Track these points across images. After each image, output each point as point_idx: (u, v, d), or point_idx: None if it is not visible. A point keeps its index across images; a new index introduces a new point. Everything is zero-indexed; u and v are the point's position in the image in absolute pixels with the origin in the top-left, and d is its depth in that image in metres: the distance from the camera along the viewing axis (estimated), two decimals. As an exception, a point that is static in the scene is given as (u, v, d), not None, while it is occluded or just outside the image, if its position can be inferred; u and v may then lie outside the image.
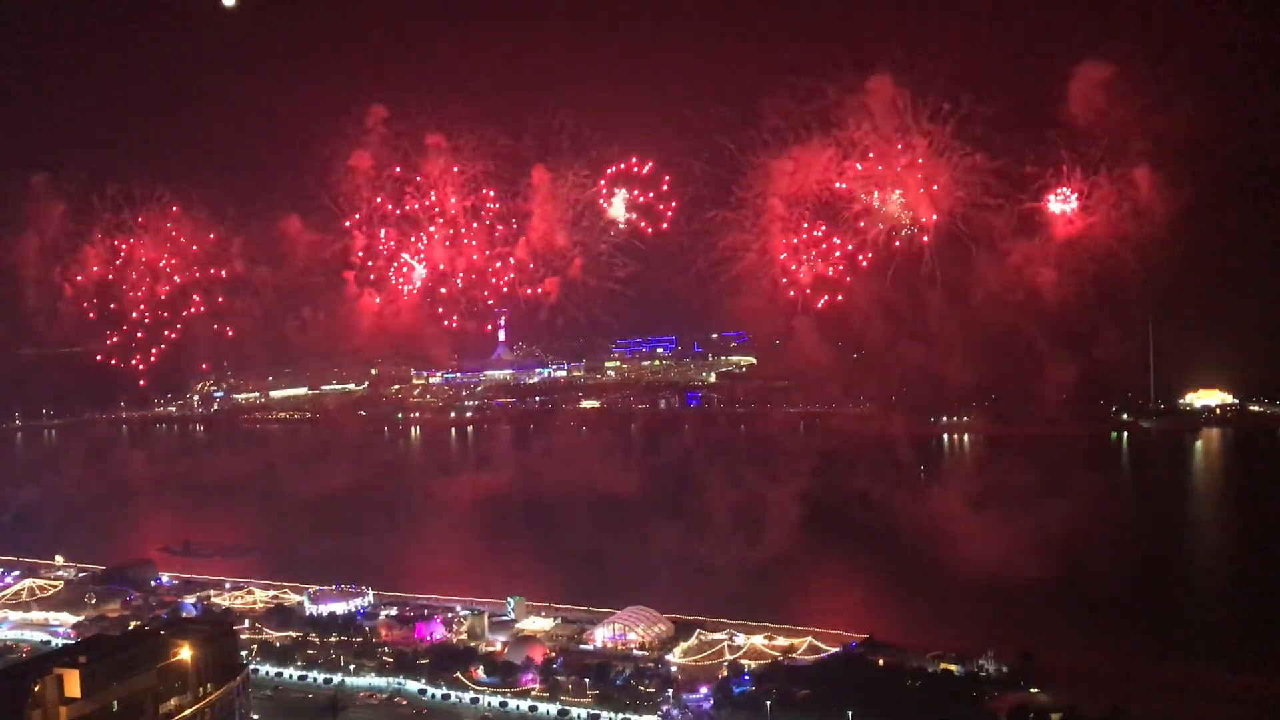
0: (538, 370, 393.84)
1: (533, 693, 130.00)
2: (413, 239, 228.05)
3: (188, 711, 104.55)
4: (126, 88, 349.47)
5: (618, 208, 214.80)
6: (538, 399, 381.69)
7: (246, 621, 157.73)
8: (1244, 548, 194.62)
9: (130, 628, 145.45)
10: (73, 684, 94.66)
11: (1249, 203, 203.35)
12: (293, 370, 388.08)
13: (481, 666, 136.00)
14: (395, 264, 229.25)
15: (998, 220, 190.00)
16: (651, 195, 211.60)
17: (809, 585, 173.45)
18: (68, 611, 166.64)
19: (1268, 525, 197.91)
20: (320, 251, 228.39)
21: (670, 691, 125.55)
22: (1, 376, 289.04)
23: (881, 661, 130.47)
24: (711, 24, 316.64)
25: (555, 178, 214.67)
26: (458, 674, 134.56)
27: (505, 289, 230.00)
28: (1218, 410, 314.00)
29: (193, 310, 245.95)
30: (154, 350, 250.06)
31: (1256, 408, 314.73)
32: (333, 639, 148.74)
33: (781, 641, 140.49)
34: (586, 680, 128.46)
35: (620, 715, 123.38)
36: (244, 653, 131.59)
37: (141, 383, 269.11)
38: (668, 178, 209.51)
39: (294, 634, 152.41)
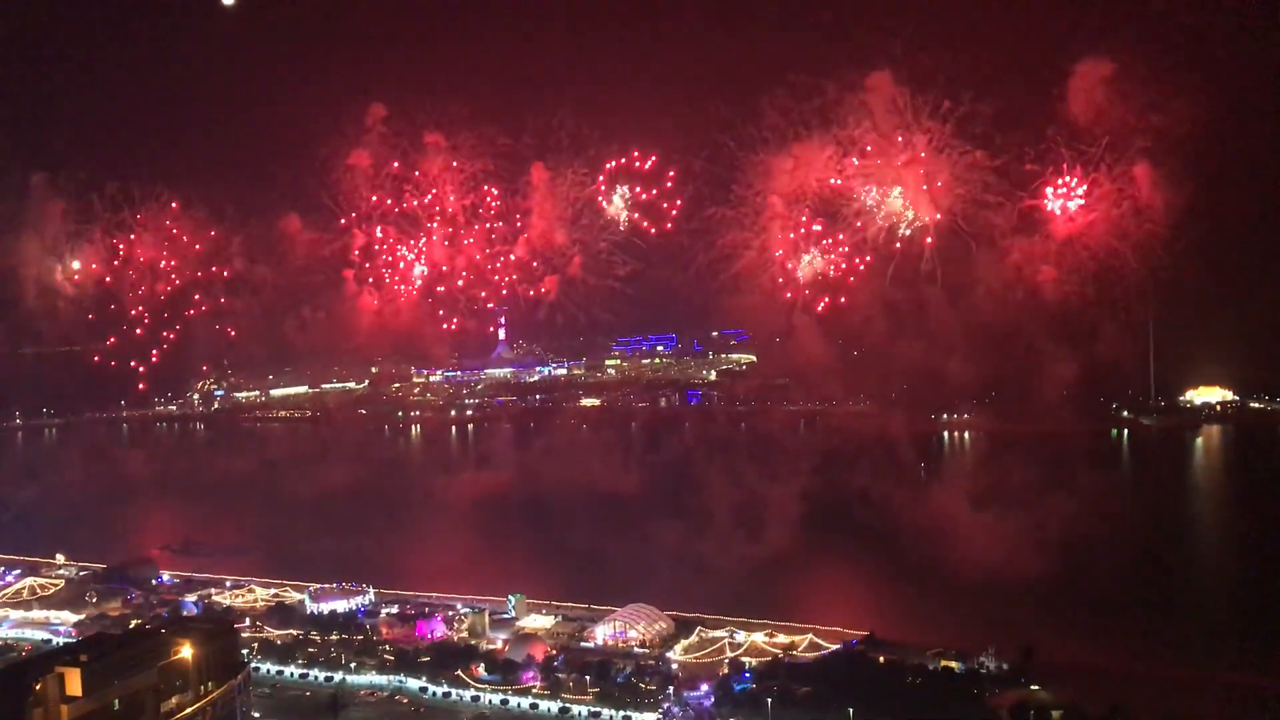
0: (538, 368, 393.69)
1: (534, 690, 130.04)
2: (412, 241, 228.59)
3: (189, 710, 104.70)
4: (126, 87, 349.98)
5: (617, 205, 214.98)
6: (538, 397, 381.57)
7: (247, 620, 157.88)
8: (1244, 545, 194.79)
9: (131, 626, 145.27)
10: (74, 682, 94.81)
11: (1249, 200, 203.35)
12: (293, 369, 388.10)
13: (482, 664, 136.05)
14: (395, 262, 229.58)
15: (998, 218, 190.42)
16: (655, 192, 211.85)
17: (810, 583, 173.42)
18: (69, 610, 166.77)
19: (1268, 523, 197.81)
20: (320, 250, 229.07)
21: (671, 689, 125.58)
22: (1, 376, 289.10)
23: (882, 659, 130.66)
24: (711, 21, 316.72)
25: (554, 176, 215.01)
26: (459, 672, 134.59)
27: (505, 288, 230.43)
28: (1218, 407, 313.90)
29: (193, 310, 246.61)
30: (154, 350, 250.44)
31: (1257, 405, 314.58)
32: (333, 637, 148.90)
33: (782, 639, 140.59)
34: (587, 678, 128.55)
35: (621, 713, 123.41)
36: (245, 651, 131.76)
37: (141, 386, 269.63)
38: (673, 173, 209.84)
39: (295, 632, 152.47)
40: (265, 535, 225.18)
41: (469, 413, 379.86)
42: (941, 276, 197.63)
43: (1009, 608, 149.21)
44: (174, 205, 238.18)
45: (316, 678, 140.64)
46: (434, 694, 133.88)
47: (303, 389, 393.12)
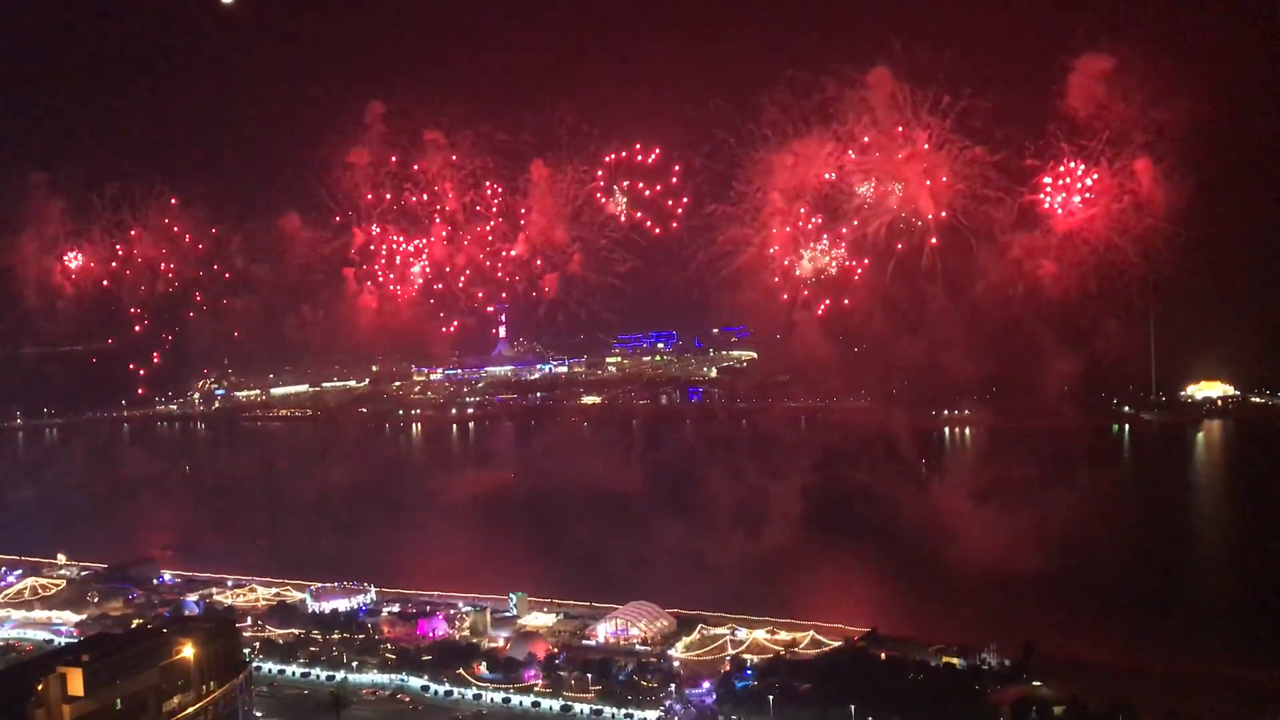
0: (539, 366, 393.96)
1: (535, 689, 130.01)
2: (412, 238, 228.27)
3: (190, 709, 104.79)
4: (125, 86, 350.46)
5: (617, 200, 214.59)
6: (539, 395, 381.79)
7: (249, 619, 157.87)
8: (1245, 540, 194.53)
9: (133, 626, 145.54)
10: (76, 682, 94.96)
11: (1250, 195, 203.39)
12: (293, 367, 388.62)
13: (484, 663, 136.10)
14: (395, 260, 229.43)
15: (998, 213, 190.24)
16: (660, 188, 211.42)
17: (811, 580, 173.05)
18: (70, 610, 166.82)
19: (1268, 517, 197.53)
20: (320, 248, 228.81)
21: (673, 686, 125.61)
22: (2, 375, 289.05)
23: (884, 655, 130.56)
24: (710, 18, 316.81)
25: (554, 173, 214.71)
26: (460, 670, 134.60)
27: (505, 286, 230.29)
28: (1219, 402, 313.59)
29: (193, 310, 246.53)
30: (154, 349, 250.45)
31: (1258, 400, 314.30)
32: (335, 636, 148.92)
33: (784, 636, 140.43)
34: (589, 676, 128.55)
35: (623, 711, 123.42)
36: (246, 650, 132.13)
37: (140, 390, 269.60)
38: (678, 168, 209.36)
39: (296, 631, 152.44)
40: (266, 534, 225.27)
41: (470, 411, 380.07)
42: (942, 272, 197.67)
43: (1010, 604, 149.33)
44: (173, 203, 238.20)
45: (318, 677, 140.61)
46: (435, 693, 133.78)
47: (303, 388, 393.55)
